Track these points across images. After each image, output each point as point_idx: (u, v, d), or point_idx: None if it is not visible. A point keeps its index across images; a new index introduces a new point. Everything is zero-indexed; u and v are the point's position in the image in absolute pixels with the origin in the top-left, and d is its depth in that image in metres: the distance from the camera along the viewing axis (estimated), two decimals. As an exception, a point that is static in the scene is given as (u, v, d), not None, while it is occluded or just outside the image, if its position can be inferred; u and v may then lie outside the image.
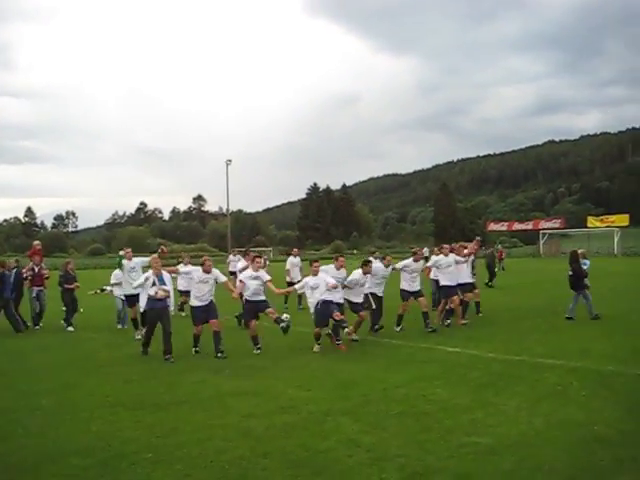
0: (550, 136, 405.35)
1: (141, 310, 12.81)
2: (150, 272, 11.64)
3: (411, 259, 13.93)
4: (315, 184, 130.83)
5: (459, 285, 14.38)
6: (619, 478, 5.11)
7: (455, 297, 14.02)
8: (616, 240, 61.85)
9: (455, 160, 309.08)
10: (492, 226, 78.10)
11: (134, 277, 13.50)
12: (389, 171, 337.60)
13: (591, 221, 69.35)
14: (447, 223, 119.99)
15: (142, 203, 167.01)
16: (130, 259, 14.49)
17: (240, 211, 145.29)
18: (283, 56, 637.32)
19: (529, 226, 76.17)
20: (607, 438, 6.11)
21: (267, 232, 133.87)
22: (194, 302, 11.75)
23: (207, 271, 11.72)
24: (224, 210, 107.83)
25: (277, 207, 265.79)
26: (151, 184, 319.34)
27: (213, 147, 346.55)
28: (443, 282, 14.31)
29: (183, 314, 17.46)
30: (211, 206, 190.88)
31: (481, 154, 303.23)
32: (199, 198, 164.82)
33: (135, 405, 8.02)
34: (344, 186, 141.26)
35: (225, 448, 6.19)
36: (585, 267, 15.33)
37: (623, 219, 65.85)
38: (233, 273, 29.27)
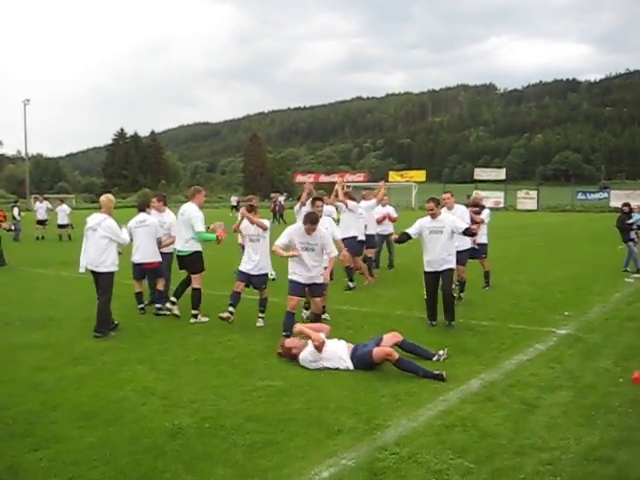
0: (358, 92, 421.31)
1: None
2: None
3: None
4: (122, 130, 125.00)
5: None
6: (395, 412, 5.57)
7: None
8: (414, 194, 65.35)
9: (266, 111, 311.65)
10: (299, 178, 79.34)
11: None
12: (200, 119, 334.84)
13: (392, 176, 72.73)
14: (257, 173, 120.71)
15: None
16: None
17: (40, 155, 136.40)
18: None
19: (334, 178, 78.32)
20: (388, 376, 6.63)
21: (71, 178, 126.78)
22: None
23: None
24: (22, 154, 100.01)
25: (82, 152, 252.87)
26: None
27: (10, 85, 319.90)
28: None
29: None
30: (8, 149, 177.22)
31: (292, 106, 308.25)
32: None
33: None
34: (153, 133, 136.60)
35: (10, 403, 5.91)
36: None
37: (421, 174, 69.82)
38: (42, 222, 27.58)
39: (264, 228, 9.27)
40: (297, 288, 8.30)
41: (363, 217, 13.00)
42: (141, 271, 10.20)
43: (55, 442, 4.97)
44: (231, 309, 9.05)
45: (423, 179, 67.66)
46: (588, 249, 20.23)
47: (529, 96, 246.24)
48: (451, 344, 7.78)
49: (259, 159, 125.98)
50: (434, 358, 7.16)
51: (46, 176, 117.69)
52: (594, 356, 7.36)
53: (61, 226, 26.47)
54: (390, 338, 7.19)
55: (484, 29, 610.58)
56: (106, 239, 8.76)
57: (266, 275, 9.45)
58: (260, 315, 9.36)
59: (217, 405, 5.79)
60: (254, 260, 9.21)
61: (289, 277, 8.41)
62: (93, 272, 8.89)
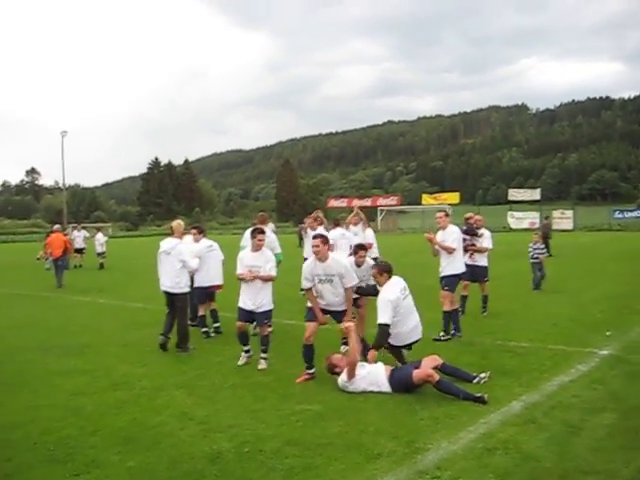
0: (389, 116, 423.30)
1: None
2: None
3: None
4: (156, 158, 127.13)
5: None
6: (435, 435, 5.49)
7: None
8: (448, 217, 65.05)
9: (298, 137, 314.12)
10: (332, 202, 79.72)
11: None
12: (233, 147, 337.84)
13: (425, 199, 72.56)
14: (289, 199, 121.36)
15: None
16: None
17: (77, 185, 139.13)
18: (128, 24, 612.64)
19: (368, 203, 77.91)
20: (427, 398, 6.55)
21: (107, 207, 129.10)
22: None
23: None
24: (60, 184, 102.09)
25: (117, 182, 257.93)
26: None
27: (49, 117, 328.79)
28: None
29: None
30: (46, 180, 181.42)
31: (324, 132, 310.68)
32: (32, 171, 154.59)
33: (-48, 389, 7.51)
34: (186, 161, 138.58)
35: (51, 429, 5.96)
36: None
37: (454, 197, 69.40)
38: (79, 250, 27.92)
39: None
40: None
41: (347, 239, 12.46)
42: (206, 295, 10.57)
43: (95, 467, 5.00)
44: (247, 349, 8.51)
45: (457, 201, 67.16)
46: (627, 268, 19.82)
47: (562, 115, 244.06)
48: (490, 366, 7.65)
49: (292, 185, 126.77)
50: (474, 381, 7.04)
51: (83, 205, 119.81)
52: (638, 377, 7.18)
53: (98, 254, 26.93)
54: (430, 362, 7.08)
55: (515, 51, 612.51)
56: (180, 262, 9.32)
57: (270, 310, 8.43)
58: (262, 356, 8.27)
59: (255, 429, 5.77)
60: (253, 295, 8.28)
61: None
62: (168, 293, 9.41)
